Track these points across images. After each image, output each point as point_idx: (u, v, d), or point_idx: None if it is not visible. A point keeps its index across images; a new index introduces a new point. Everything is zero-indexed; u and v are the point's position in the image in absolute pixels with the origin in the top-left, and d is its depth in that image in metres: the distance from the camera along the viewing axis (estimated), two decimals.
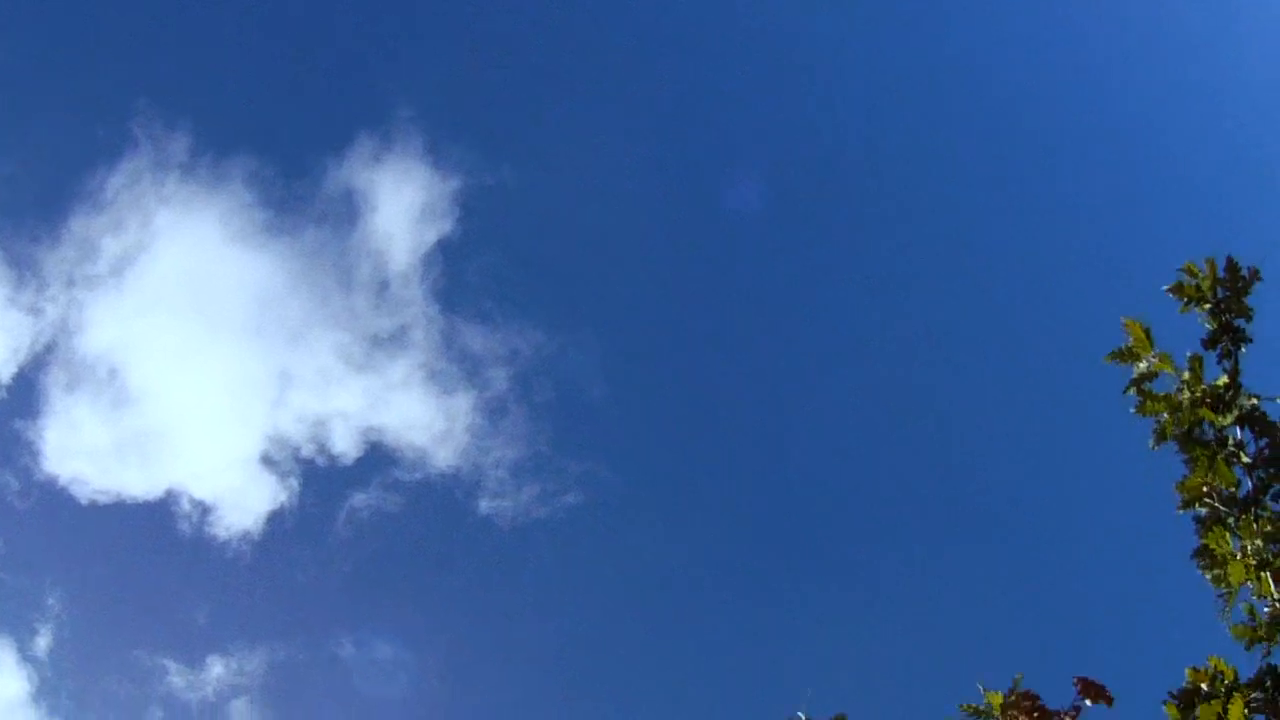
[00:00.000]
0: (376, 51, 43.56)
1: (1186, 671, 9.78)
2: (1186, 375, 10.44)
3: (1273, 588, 9.66)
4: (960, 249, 45.48)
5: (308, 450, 43.71)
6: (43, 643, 43.11)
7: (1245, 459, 10.18)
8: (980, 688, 9.63)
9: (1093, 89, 45.29)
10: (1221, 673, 9.61)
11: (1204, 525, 10.25)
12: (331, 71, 44.45)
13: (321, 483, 44.32)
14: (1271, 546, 9.98)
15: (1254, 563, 9.83)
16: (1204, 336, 10.47)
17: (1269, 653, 9.73)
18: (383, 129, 43.41)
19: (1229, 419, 10.28)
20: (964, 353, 45.31)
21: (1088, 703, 10.31)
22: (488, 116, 44.65)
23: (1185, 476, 10.34)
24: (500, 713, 44.78)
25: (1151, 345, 10.48)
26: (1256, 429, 10.26)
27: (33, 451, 43.10)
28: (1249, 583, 9.80)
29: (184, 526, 43.79)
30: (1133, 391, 10.53)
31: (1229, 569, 9.93)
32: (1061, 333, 45.12)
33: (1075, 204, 45.44)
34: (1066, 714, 10.06)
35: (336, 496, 44.17)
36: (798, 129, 45.61)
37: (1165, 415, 10.46)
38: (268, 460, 43.84)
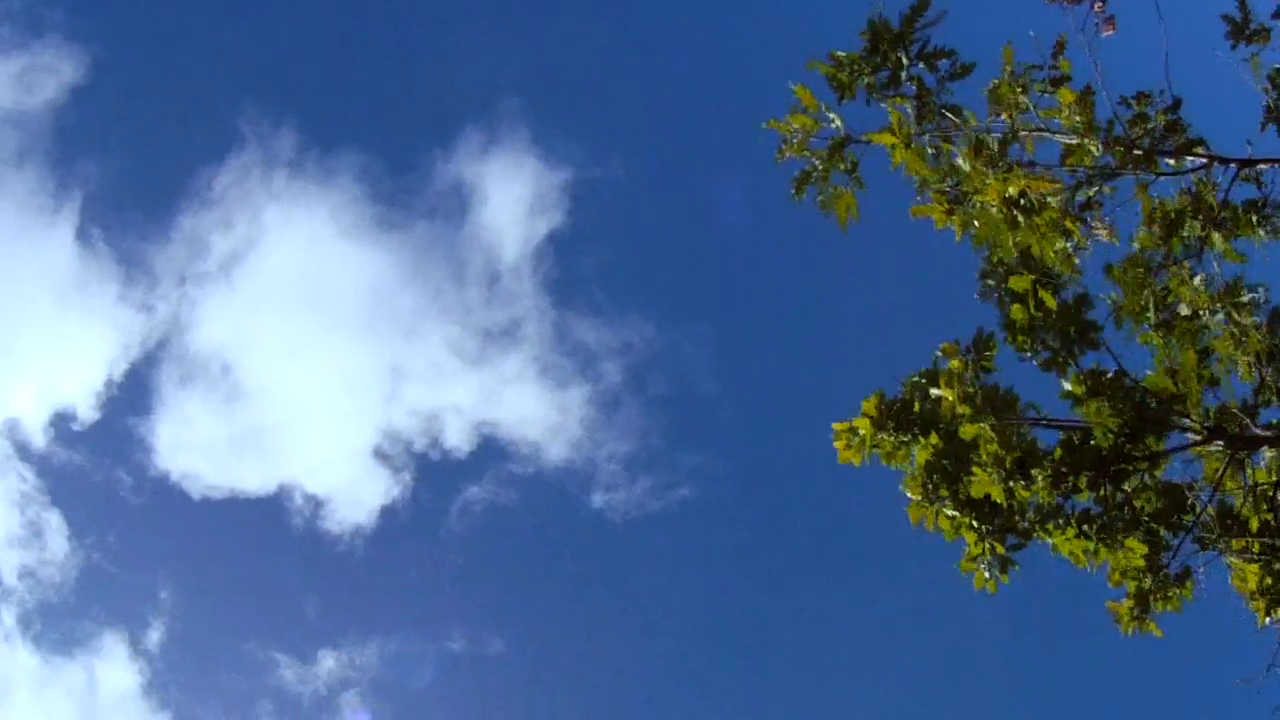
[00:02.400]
0: (482, 43, 43.12)
1: None
2: None
3: None
4: None
5: (420, 444, 43.30)
6: (154, 637, 42.98)
7: None
8: None
9: None
10: None
11: None
12: (437, 63, 44.05)
13: (434, 477, 43.89)
14: None
15: None
16: None
17: None
18: (489, 121, 43.10)
19: None
20: None
21: None
22: (595, 107, 44.08)
23: None
24: (611, 708, 44.34)
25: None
26: None
27: (145, 448, 42.98)
28: None
29: (296, 521, 43.52)
30: None
31: None
32: None
33: None
34: None
35: (449, 491, 43.89)
36: None
37: None
38: (380, 455, 43.47)
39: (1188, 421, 13.36)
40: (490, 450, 43.26)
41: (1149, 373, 13.60)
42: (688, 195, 44.15)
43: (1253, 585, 13.29)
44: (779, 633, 43.93)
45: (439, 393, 43.58)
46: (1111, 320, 13.53)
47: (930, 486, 13.01)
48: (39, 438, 42.78)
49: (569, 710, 44.63)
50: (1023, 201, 11.94)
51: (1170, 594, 13.67)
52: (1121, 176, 13.09)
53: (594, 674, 44.36)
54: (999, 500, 12.66)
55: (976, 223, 12.35)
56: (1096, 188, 13.11)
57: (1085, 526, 12.90)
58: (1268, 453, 13.80)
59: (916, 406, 13.73)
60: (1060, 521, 13.05)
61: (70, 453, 43.17)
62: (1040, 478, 13.04)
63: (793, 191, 13.67)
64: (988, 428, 12.71)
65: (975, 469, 12.60)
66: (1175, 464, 14.07)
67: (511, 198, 42.91)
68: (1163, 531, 13.72)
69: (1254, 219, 13.28)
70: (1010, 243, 12.19)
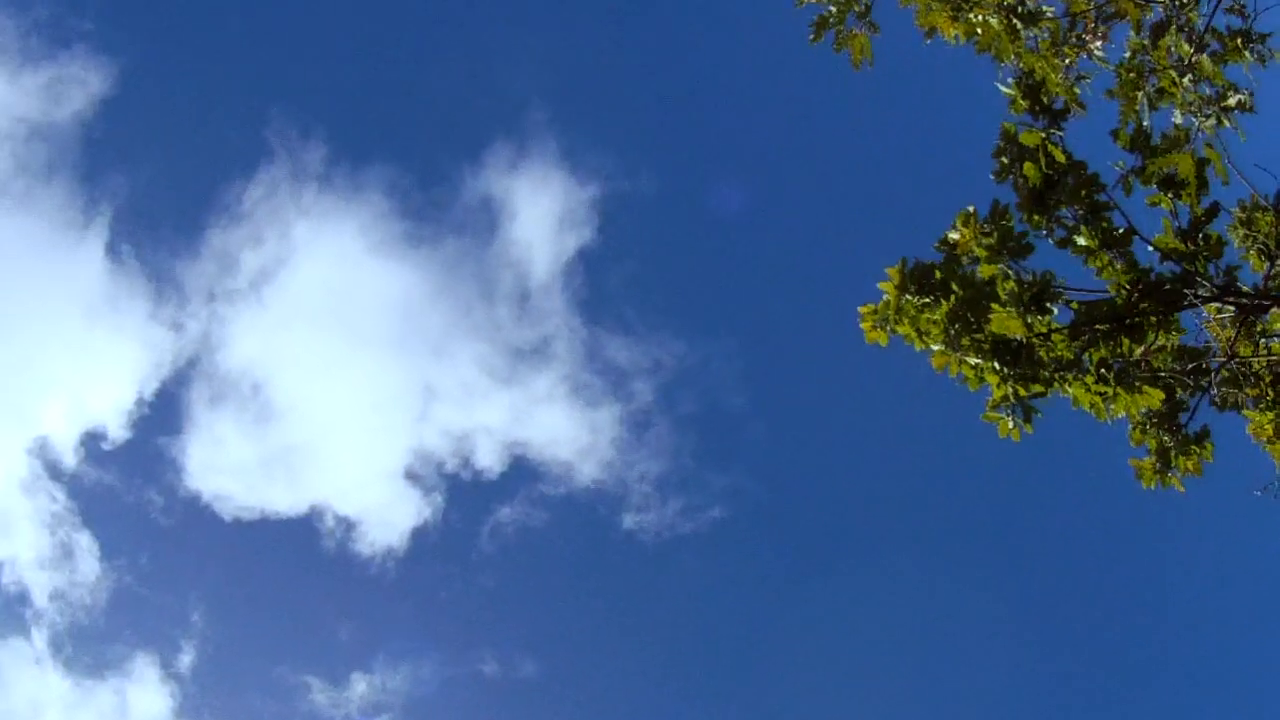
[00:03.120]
0: (511, 55, 43.97)
1: None
2: None
3: None
4: None
5: (451, 465, 43.71)
6: (186, 659, 43.26)
7: None
8: None
9: None
10: None
11: None
12: (466, 76, 44.92)
13: (465, 498, 44.29)
14: None
15: None
16: None
17: None
18: (518, 135, 43.82)
19: None
20: None
21: None
22: (624, 120, 44.82)
23: None
24: None
25: None
26: None
27: (176, 468, 43.49)
28: None
29: (328, 543, 43.88)
30: None
31: None
32: None
33: None
34: None
35: (480, 511, 44.14)
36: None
37: None
38: (412, 475, 43.90)
39: (1199, 281, 13.70)
40: (521, 470, 43.63)
41: (1159, 234, 13.99)
42: (716, 209, 44.74)
43: (1269, 432, 13.64)
44: (810, 652, 43.95)
45: (469, 412, 44.06)
46: (1120, 188, 13.96)
47: (953, 333, 13.34)
48: (69, 457, 43.40)
49: None
50: (1020, 9, 12.53)
51: (1190, 451, 13.96)
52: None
53: (626, 697, 44.42)
54: (1019, 335, 12.98)
55: (979, 30, 12.94)
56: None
57: (1104, 371, 13.23)
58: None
59: (938, 274, 14.11)
60: (1079, 372, 13.37)
61: (101, 472, 43.77)
62: (1058, 339, 13.41)
63: (810, 35, 14.25)
64: (1004, 266, 13.12)
65: (994, 306, 12.95)
66: (1190, 330, 14.45)
67: (540, 212, 43.64)
68: (1180, 393, 14.06)
69: (1240, 42, 13.84)
70: (1011, 52, 12.76)
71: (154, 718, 43.24)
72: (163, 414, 43.90)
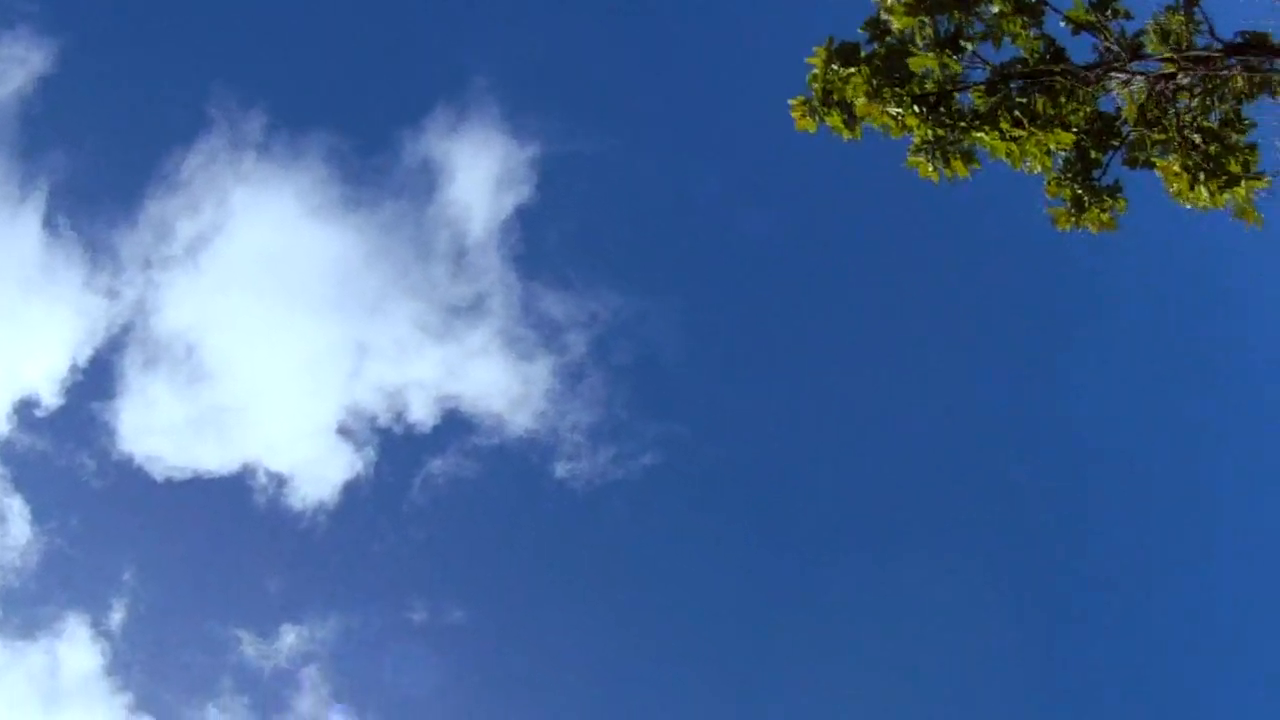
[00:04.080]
0: (451, 21, 44.45)
1: None
2: None
3: None
4: None
5: (384, 420, 43.89)
6: (116, 618, 43.11)
7: None
8: None
9: None
10: None
11: None
12: (406, 43, 45.31)
13: (398, 452, 44.38)
14: None
15: None
16: None
17: None
18: (459, 99, 44.16)
19: None
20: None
21: None
22: (564, 83, 45.34)
23: None
24: (575, 675, 44.51)
25: None
26: None
27: (109, 431, 43.40)
28: None
29: (260, 500, 43.88)
30: None
31: None
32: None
33: None
34: None
35: (413, 465, 44.19)
36: None
37: None
38: (344, 431, 44.04)
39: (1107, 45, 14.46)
40: (454, 424, 43.88)
41: (1069, 9, 14.72)
42: (653, 169, 45.32)
43: (1175, 168, 14.34)
44: (743, 597, 44.41)
45: (403, 368, 44.28)
46: None
47: (874, 85, 14.00)
48: (2, 425, 43.22)
49: (532, 679, 44.83)
50: None
51: (1104, 201, 14.68)
52: None
53: (557, 643, 44.64)
54: (935, 72, 13.63)
55: None
56: None
57: (1017, 113, 13.92)
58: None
59: (861, 53, 14.81)
60: (994, 120, 14.07)
61: (34, 438, 43.57)
62: (975, 93, 14.12)
63: None
64: (922, 18, 13.79)
65: (913, 49, 13.65)
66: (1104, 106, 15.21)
67: (479, 174, 44.00)
68: (1094, 154, 14.81)
69: None
70: None
71: (85, 676, 43.00)
72: (96, 379, 43.86)
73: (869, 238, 45.15)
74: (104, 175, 44.99)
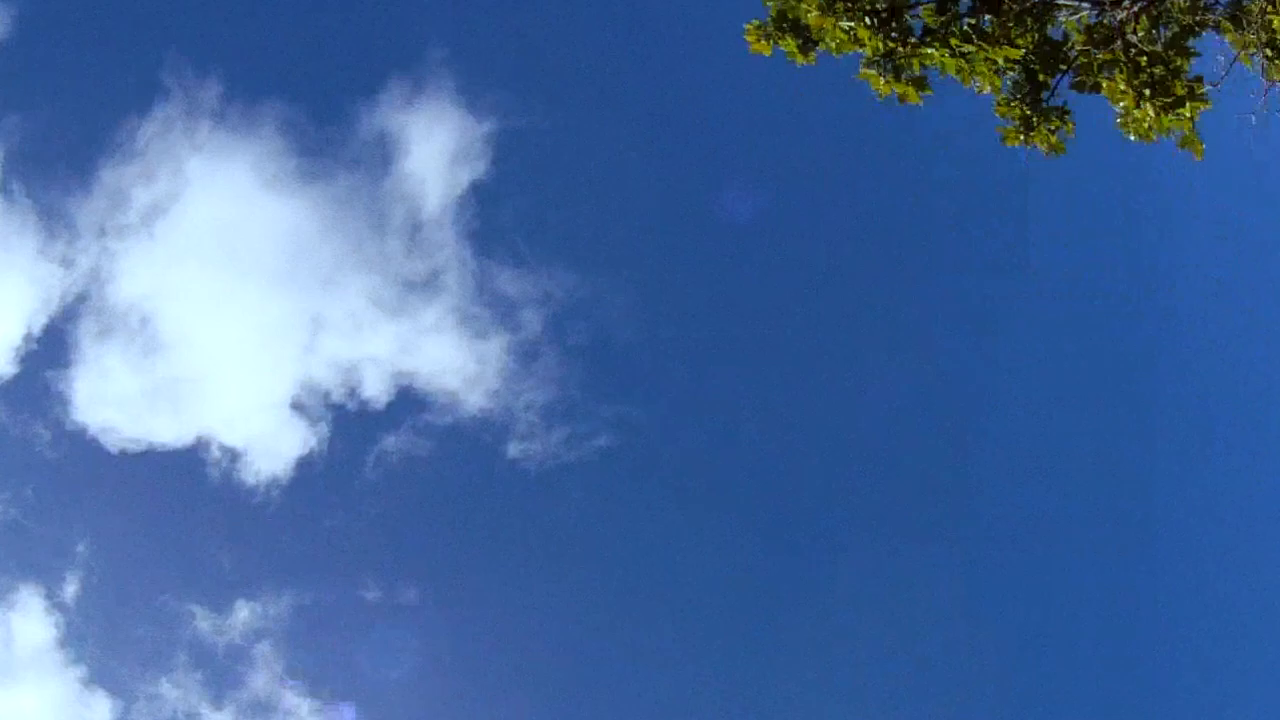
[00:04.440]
0: None
1: None
2: None
3: None
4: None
5: (338, 395, 43.84)
6: (71, 590, 42.89)
7: None
8: None
9: None
10: None
11: None
12: (362, 14, 45.24)
13: (352, 428, 44.32)
14: None
15: None
16: None
17: None
18: (414, 72, 44.11)
19: None
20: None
21: None
22: (520, 58, 45.32)
23: None
24: (526, 655, 44.55)
25: None
26: None
27: (63, 402, 43.13)
28: None
29: (213, 473, 43.72)
30: None
31: None
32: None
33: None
34: None
35: (366, 441, 44.15)
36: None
37: None
38: (298, 406, 43.94)
39: None
40: (408, 400, 43.85)
41: None
42: (609, 145, 45.38)
43: (1121, 86, 14.56)
44: (697, 579, 44.55)
45: (357, 343, 44.22)
46: None
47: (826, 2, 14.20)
48: None
49: (482, 658, 44.88)
50: None
51: (1052, 121, 14.93)
52: None
53: (508, 622, 44.69)
54: None
55: None
56: None
57: (968, 29, 14.13)
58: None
59: None
60: (944, 37, 14.28)
61: None
62: (925, 11, 14.33)
63: None
64: None
65: None
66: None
67: (435, 148, 43.90)
68: (1042, 75, 15.04)
69: None
70: None
71: (38, 648, 42.73)
72: (50, 349, 43.56)
73: (830, 218, 45.41)
74: (59, 142, 44.61)
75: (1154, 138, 15.33)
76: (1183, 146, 15.35)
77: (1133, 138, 15.40)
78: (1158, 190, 41.21)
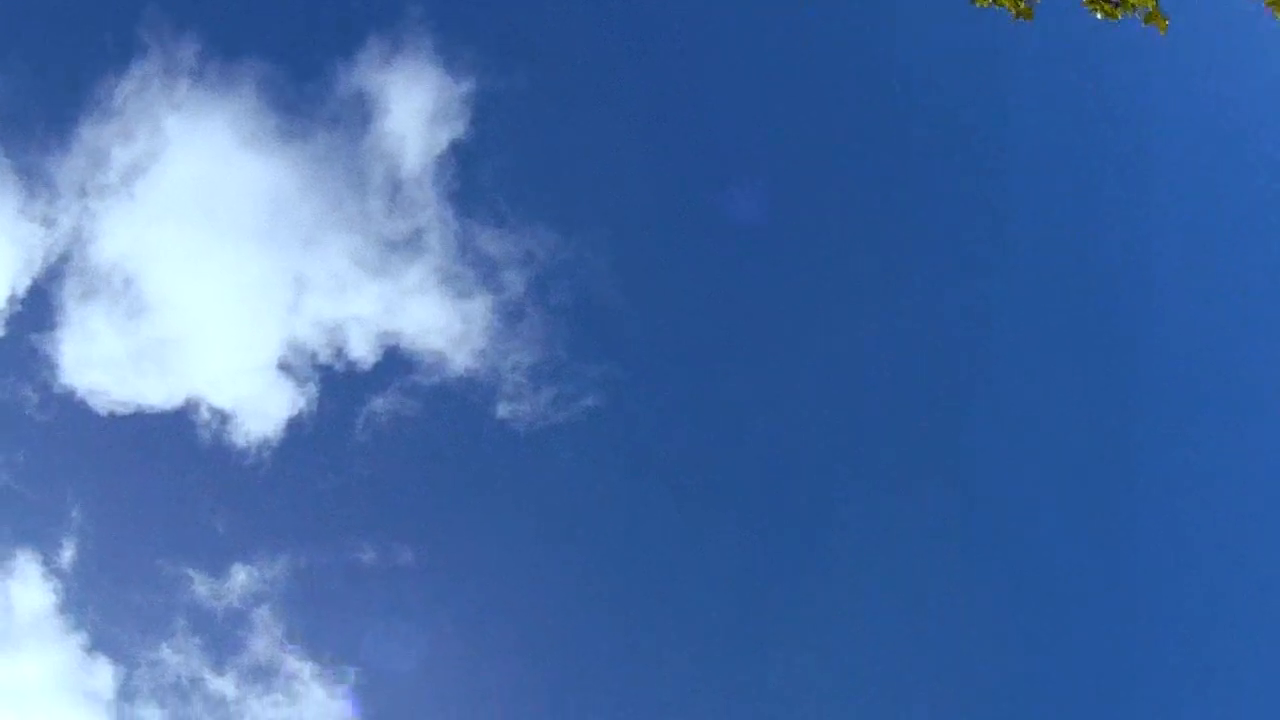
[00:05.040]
0: None
1: None
2: None
3: None
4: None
5: (325, 356, 43.61)
6: (67, 555, 42.74)
7: None
8: None
9: None
10: None
11: None
12: None
13: (339, 388, 44.10)
14: None
15: None
16: None
17: None
18: (393, 30, 43.86)
19: None
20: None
21: None
22: (499, 17, 45.07)
23: None
24: (518, 615, 44.32)
25: None
26: None
27: (50, 364, 42.91)
28: None
29: (204, 435, 43.52)
30: None
31: None
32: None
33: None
34: None
35: (354, 402, 43.94)
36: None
37: None
38: (285, 367, 43.73)
39: None
40: (394, 361, 43.65)
41: None
42: (590, 104, 45.13)
43: None
44: (680, 539, 44.35)
45: (342, 304, 43.97)
46: None
47: None
48: None
49: (476, 617, 44.62)
50: None
51: None
52: None
53: (500, 582, 44.45)
54: None
55: None
56: None
57: None
58: None
59: None
60: None
61: None
62: None
63: None
64: None
65: None
66: None
67: (414, 107, 43.69)
68: None
69: None
70: None
71: (38, 614, 42.59)
72: (35, 310, 43.32)
73: (812, 173, 45.16)
74: (38, 101, 44.32)
75: (1119, 15, 15.07)
76: (1147, 23, 15.10)
77: (1099, 16, 15.14)
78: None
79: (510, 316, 43.62)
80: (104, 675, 42.80)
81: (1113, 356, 45.02)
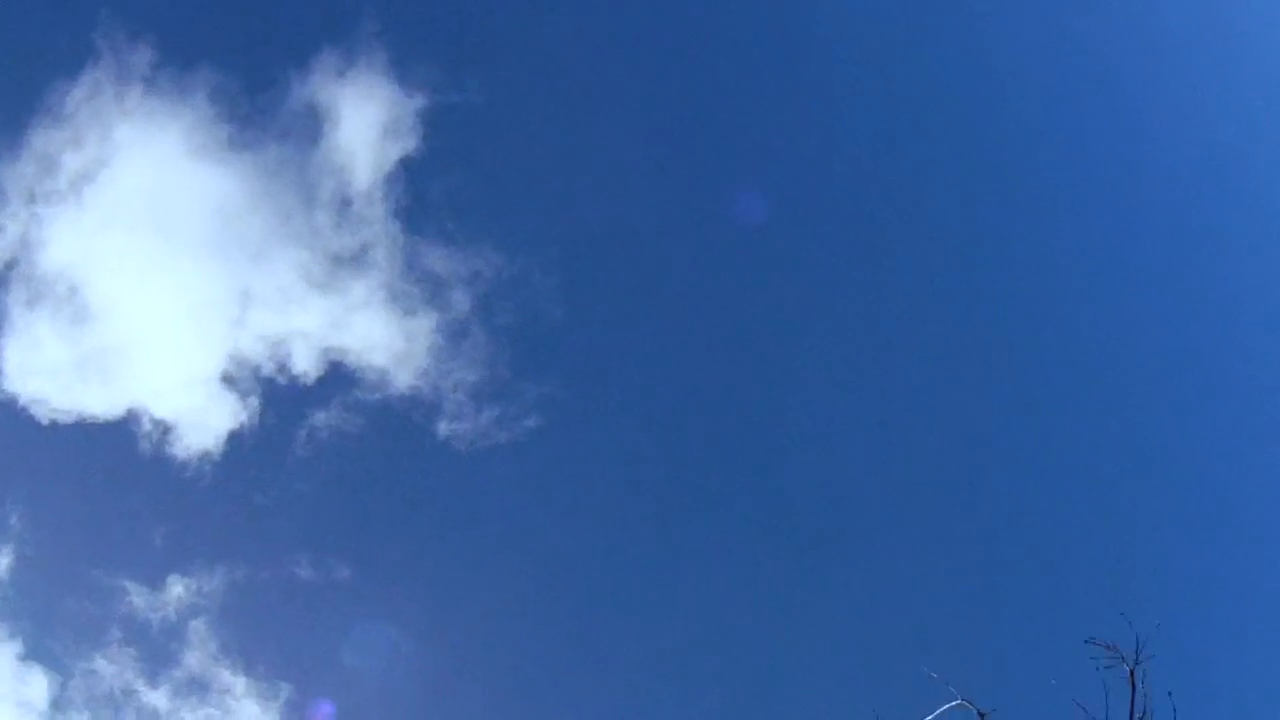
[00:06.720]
0: None
1: None
2: None
3: None
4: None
5: (268, 369, 43.47)
6: (3, 563, 42.71)
7: None
8: None
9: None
10: None
11: None
12: None
13: (282, 403, 43.92)
14: None
15: None
16: None
17: None
18: (346, 43, 43.57)
19: None
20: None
21: None
22: (454, 33, 44.71)
23: None
24: (457, 635, 44.13)
25: None
26: None
27: None
28: None
29: (145, 446, 43.41)
30: None
31: None
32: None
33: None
34: None
35: (296, 417, 43.75)
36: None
37: None
38: (228, 379, 43.59)
39: None
40: (338, 376, 43.49)
41: None
42: (541, 123, 44.78)
43: None
44: (623, 562, 44.13)
45: (287, 318, 43.76)
46: None
47: None
48: None
49: (413, 636, 44.45)
50: None
51: None
52: None
53: (437, 601, 44.29)
54: None
55: None
56: None
57: None
58: None
59: None
60: None
61: None
62: None
63: None
64: None
65: None
66: None
67: (365, 121, 43.40)
68: None
69: None
70: None
71: None
72: None
73: (771, 193, 44.68)
74: None
75: None
76: None
77: None
78: None
79: (454, 335, 43.43)
80: (38, 684, 42.75)
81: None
